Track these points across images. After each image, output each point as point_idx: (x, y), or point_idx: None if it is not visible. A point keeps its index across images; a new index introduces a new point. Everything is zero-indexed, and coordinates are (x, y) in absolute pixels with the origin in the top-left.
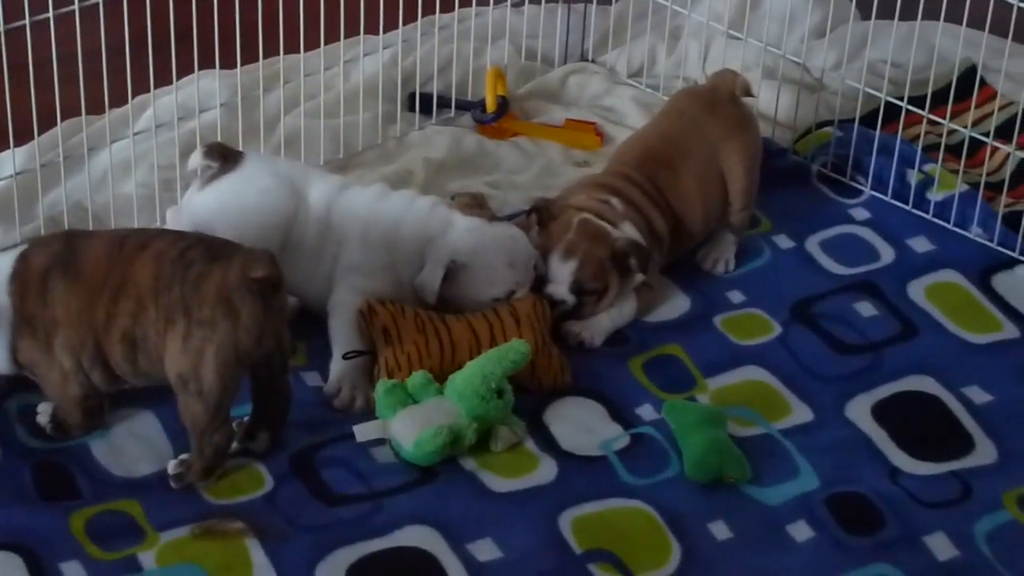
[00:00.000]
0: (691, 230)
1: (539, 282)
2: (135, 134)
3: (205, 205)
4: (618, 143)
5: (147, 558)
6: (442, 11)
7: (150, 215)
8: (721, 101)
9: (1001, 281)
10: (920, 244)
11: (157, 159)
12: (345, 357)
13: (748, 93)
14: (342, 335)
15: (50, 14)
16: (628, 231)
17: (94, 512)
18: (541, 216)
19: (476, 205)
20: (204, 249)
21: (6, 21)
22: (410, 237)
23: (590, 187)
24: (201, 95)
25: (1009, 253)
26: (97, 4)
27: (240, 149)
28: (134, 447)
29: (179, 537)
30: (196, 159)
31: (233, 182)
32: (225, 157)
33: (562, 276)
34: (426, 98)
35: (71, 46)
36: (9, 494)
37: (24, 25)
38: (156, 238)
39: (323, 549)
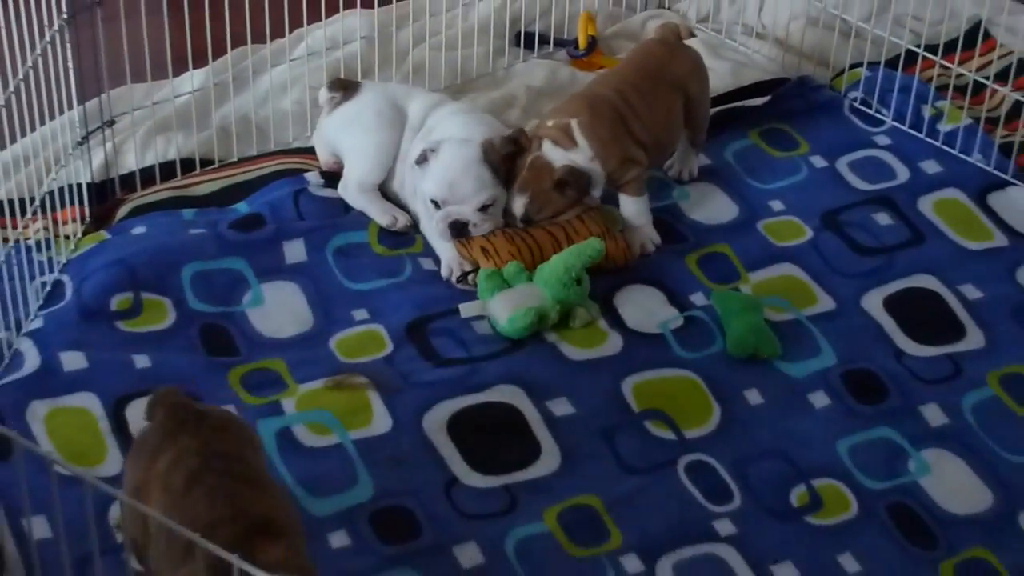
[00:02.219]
0: (664, 143)
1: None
2: (291, 60)
3: (333, 127)
4: None
5: (288, 404)
6: None
7: (303, 127)
8: (675, 47)
9: (995, 199)
10: (930, 167)
11: (309, 81)
12: (458, 282)
13: (691, 35)
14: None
15: None
16: (581, 151)
17: (248, 369)
18: (518, 148)
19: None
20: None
21: None
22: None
23: (561, 111)
24: (345, 30)
25: (1003, 176)
26: None
27: (359, 80)
28: (281, 313)
29: (314, 388)
30: (323, 94)
31: (353, 107)
32: (346, 88)
33: (517, 208)
34: (530, 36)
35: None
36: (181, 350)
37: None
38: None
39: (430, 401)
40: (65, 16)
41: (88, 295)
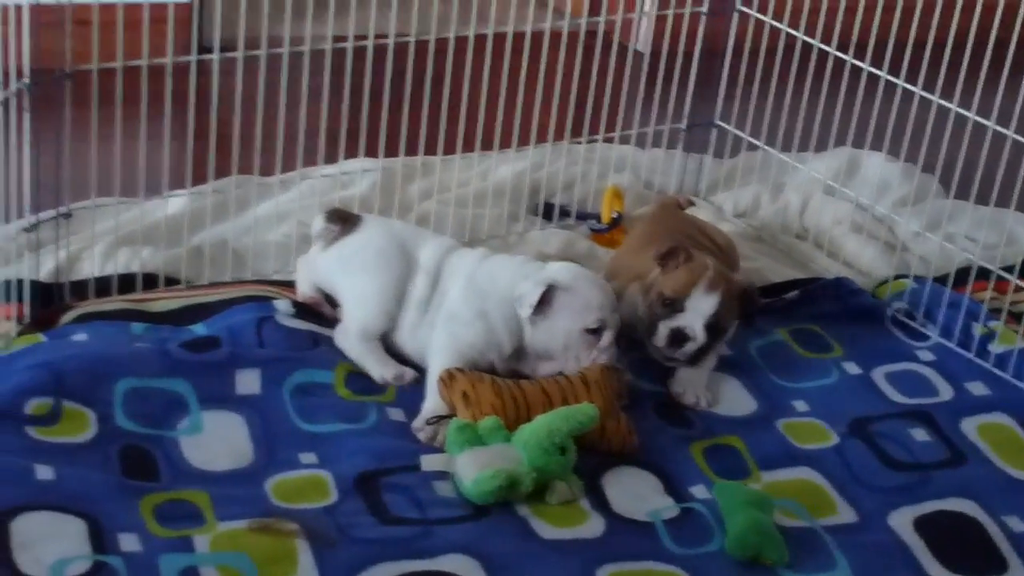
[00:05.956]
0: None
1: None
2: (281, 197)
3: (328, 264)
4: None
5: (202, 541)
6: (574, 139)
7: (286, 260)
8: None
9: None
10: (977, 388)
11: (302, 217)
12: (428, 423)
13: (690, 203)
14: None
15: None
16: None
17: (165, 498)
18: (668, 259)
19: None
20: None
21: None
22: (505, 282)
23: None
24: (349, 175)
25: None
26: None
27: (359, 213)
28: (218, 444)
29: (235, 528)
30: (319, 223)
31: (353, 243)
32: (345, 220)
33: (704, 309)
34: (550, 207)
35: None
36: (93, 467)
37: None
38: None
39: (366, 561)
40: (26, 81)
41: (2, 394)
